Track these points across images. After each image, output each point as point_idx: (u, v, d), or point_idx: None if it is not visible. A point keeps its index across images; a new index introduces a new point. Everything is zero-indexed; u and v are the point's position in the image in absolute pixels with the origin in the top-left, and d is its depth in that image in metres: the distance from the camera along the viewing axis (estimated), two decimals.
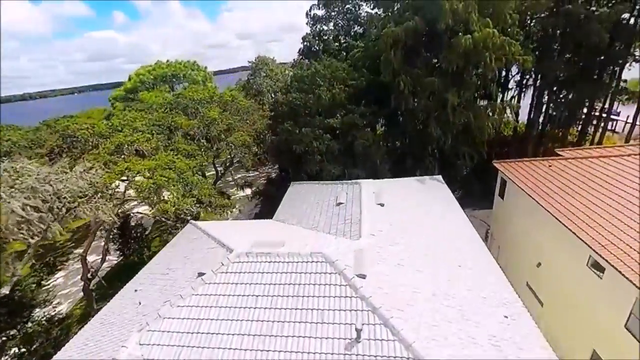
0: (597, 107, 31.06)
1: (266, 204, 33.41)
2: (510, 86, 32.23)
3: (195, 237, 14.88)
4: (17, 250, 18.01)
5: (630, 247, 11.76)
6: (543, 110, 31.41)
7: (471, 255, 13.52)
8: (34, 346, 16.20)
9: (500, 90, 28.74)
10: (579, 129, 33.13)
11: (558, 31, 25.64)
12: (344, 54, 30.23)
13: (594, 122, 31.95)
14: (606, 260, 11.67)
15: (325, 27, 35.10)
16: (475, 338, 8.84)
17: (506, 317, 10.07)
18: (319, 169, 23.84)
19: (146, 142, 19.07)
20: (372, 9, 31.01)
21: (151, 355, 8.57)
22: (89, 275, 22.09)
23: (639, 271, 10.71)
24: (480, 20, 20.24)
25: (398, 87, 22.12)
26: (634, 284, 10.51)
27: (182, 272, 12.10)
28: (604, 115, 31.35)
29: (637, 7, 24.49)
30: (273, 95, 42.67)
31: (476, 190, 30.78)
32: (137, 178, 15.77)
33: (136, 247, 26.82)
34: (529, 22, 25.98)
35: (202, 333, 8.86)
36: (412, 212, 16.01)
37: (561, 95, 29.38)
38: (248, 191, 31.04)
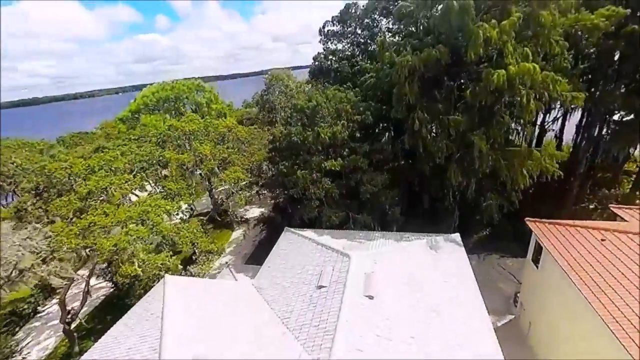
0: None
1: (271, 230, 31.20)
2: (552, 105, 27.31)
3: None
4: None
5: None
6: (594, 134, 26.12)
7: None
8: None
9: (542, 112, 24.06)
10: None
11: (617, 55, 20.79)
12: (357, 77, 27.06)
13: None
14: None
15: (339, 46, 32.07)
16: None
17: None
18: (317, 213, 21.03)
19: (123, 185, 17.30)
20: (391, 25, 27.61)
21: None
22: (68, 318, 20.93)
23: None
24: (517, 50, 16.30)
25: (413, 125, 18.67)
26: None
27: None
28: None
29: None
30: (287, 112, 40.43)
31: (507, 231, 26.41)
32: (99, 241, 13.88)
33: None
34: (580, 41, 21.36)
35: None
36: (409, 304, 12.61)
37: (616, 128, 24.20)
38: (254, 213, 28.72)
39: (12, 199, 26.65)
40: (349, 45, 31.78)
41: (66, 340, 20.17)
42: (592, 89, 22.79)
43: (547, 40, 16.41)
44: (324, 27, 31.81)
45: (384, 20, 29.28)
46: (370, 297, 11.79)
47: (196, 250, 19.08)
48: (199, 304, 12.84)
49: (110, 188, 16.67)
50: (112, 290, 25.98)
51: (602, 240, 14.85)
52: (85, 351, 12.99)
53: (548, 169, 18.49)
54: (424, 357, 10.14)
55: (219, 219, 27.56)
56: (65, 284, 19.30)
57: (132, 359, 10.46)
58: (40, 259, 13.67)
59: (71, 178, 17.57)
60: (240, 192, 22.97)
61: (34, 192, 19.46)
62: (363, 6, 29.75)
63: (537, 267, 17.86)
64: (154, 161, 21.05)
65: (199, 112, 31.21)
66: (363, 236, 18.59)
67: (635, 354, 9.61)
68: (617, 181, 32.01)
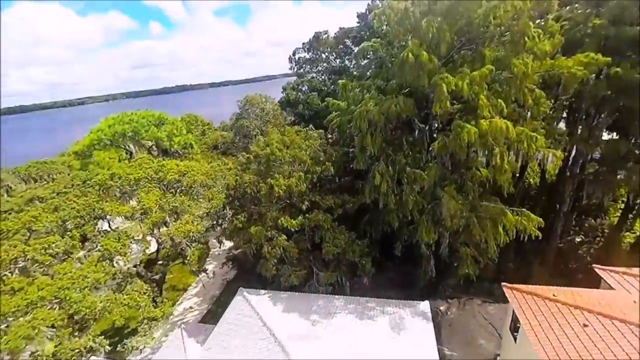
0: None
1: (241, 271, 29.12)
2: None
3: None
4: None
5: None
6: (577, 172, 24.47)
7: None
8: None
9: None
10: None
11: (599, 99, 19.22)
12: (326, 111, 25.14)
13: None
14: None
15: (312, 74, 30.26)
16: None
17: None
18: (276, 271, 18.86)
19: (41, 252, 14.96)
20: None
21: None
22: None
23: None
24: (491, 100, 14.46)
25: (373, 180, 16.72)
26: None
27: None
28: None
29: None
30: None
31: (491, 269, 24.36)
32: None
33: None
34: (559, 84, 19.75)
35: None
36: None
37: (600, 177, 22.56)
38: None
39: None
40: (322, 72, 29.99)
41: None
42: (573, 129, 21.30)
43: (519, 91, 14.64)
44: (294, 54, 29.98)
45: (357, 48, 27.59)
46: None
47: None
48: None
49: (23, 256, 14.31)
50: None
51: (585, 325, 12.99)
52: None
53: (526, 228, 16.61)
54: None
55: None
56: None
57: None
58: None
59: None
60: (193, 244, 20.66)
61: None
62: (335, 33, 28.05)
63: (515, 339, 16.00)
64: (93, 215, 18.73)
65: (161, 145, 28.92)
66: (322, 306, 16.43)
67: None
68: (603, 210, 30.53)
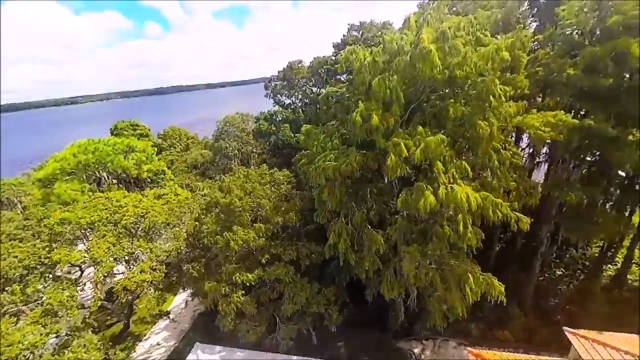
0: None
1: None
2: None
3: None
4: None
5: None
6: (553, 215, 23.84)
7: None
8: None
9: None
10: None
11: (573, 151, 18.51)
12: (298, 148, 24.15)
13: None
14: None
15: (287, 100, 29.34)
16: None
17: None
18: (233, 328, 17.80)
19: None
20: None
21: None
22: None
23: None
24: (454, 161, 13.56)
25: (330, 237, 15.78)
26: None
27: None
28: None
29: None
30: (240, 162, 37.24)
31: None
32: None
33: None
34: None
35: None
36: None
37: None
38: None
39: None
40: (298, 100, 29.06)
41: None
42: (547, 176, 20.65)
43: (485, 153, 13.80)
44: (270, 81, 29.04)
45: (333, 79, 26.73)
46: None
47: None
48: None
49: None
50: None
51: None
52: None
53: (495, 289, 15.73)
54: None
55: None
56: None
57: None
58: None
59: None
60: (150, 291, 19.52)
61: None
62: (310, 63, 27.16)
63: None
64: (39, 263, 17.53)
65: (128, 175, 27.66)
66: None
67: None
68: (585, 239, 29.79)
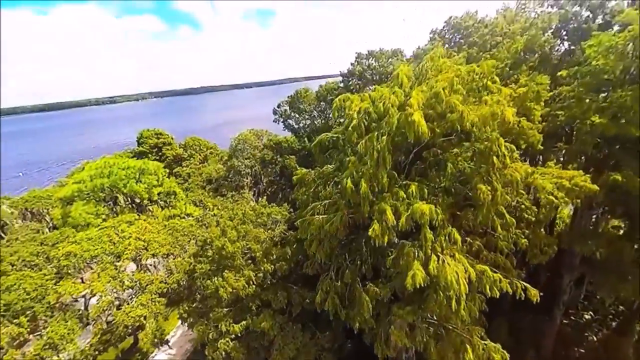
0: None
1: None
2: None
3: None
4: None
5: None
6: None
7: None
8: None
9: None
10: None
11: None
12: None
13: None
14: None
15: (298, 125, 28.98)
16: None
17: None
18: None
19: None
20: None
21: None
22: None
23: None
24: (447, 229, 12.43)
25: (319, 292, 15.08)
26: None
27: None
28: None
29: None
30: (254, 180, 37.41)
31: None
32: None
33: None
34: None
35: None
36: None
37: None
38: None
39: None
40: (307, 126, 28.62)
41: None
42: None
43: (486, 218, 12.52)
44: (279, 106, 28.82)
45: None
46: None
47: None
48: None
49: None
50: None
51: None
52: None
53: None
54: None
55: None
56: None
57: None
58: None
59: None
60: (149, 322, 19.87)
61: None
62: (317, 90, 26.59)
63: None
64: (43, 296, 18.32)
65: (139, 198, 28.61)
66: None
67: None
68: None
